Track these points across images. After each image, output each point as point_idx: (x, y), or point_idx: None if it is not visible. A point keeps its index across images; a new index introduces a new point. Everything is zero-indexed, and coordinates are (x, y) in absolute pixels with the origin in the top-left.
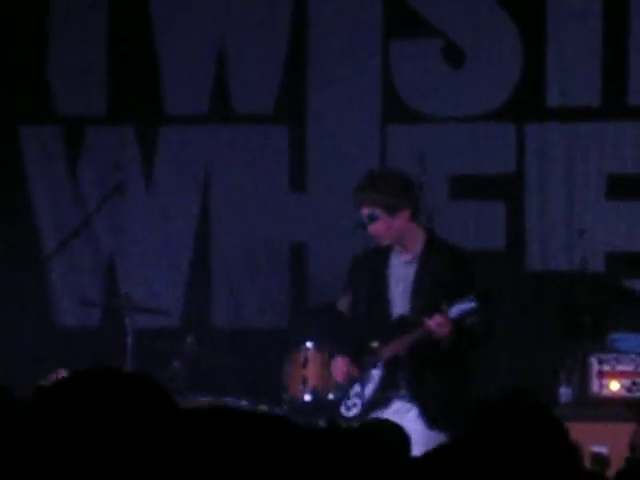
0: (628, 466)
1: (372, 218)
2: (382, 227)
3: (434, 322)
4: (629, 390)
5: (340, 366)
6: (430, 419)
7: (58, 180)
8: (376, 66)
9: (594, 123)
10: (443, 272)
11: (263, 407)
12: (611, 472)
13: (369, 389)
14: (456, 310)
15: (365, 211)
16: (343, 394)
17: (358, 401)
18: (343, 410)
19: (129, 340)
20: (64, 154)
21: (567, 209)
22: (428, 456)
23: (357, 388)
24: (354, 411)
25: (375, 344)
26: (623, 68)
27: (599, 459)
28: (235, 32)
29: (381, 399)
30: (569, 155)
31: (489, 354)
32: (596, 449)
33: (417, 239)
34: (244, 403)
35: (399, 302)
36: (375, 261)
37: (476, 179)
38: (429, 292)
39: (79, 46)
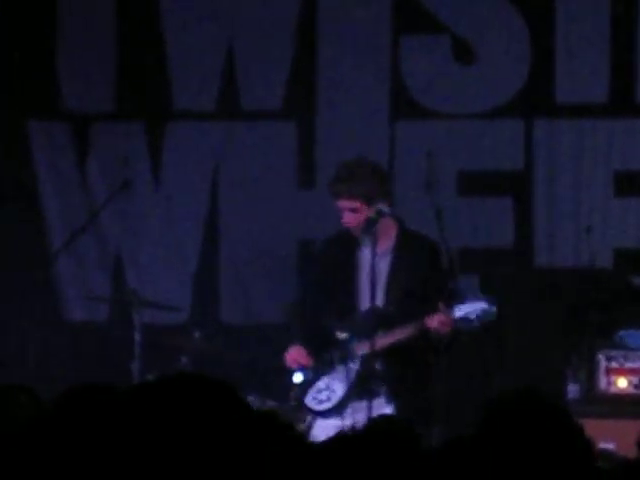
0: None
1: (354, 211)
2: (361, 218)
3: (436, 321)
4: (637, 387)
5: (294, 355)
6: (407, 417)
7: (66, 176)
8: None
9: (603, 120)
10: (419, 265)
11: (271, 403)
12: None
13: (344, 383)
14: (460, 310)
15: (345, 203)
16: (307, 382)
17: (331, 394)
18: (311, 403)
19: (137, 335)
20: (72, 150)
21: (575, 206)
22: (438, 453)
23: (327, 380)
24: (326, 405)
25: (344, 335)
26: (632, 65)
27: (606, 456)
28: (243, 28)
29: (357, 394)
30: (577, 152)
31: (496, 351)
32: (603, 446)
33: (390, 230)
34: (252, 399)
35: (367, 294)
36: (342, 250)
37: (484, 175)
38: (405, 285)
39: (87, 42)
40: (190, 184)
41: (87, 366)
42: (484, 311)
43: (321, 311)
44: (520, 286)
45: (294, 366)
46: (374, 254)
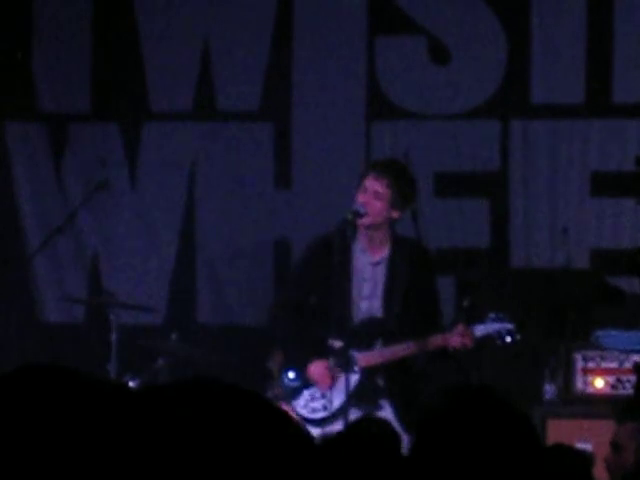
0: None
1: (378, 197)
2: (379, 208)
3: (456, 340)
4: (613, 387)
5: (322, 372)
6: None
7: (43, 177)
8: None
9: (579, 120)
10: (416, 273)
11: None
12: (596, 469)
13: (342, 393)
14: (481, 330)
15: (376, 184)
16: (297, 385)
17: (327, 404)
18: (303, 410)
19: (113, 337)
20: (49, 151)
21: (551, 206)
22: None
23: (323, 390)
24: (320, 414)
25: (339, 344)
26: (608, 65)
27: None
28: (220, 29)
29: (356, 405)
30: (553, 152)
31: (473, 351)
32: (580, 446)
33: (386, 240)
34: None
35: (364, 303)
36: (336, 255)
37: (461, 176)
38: (403, 295)
39: (64, 43)
40: (167, 185)
41: None
42: (507, 331)
43: (309, 315)
44: (496, 287)
45: (328, 386)
46: (352, 261)
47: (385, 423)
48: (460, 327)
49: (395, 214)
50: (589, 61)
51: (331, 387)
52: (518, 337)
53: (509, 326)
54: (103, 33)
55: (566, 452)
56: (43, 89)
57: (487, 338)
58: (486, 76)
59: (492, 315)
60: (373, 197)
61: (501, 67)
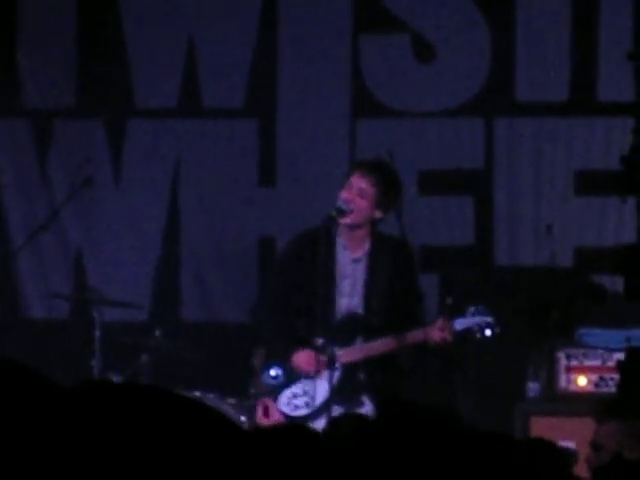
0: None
1: (363, 195)
2: (363, 206)
3: (435, 334)
4: (596, 385)
5: (307, 359)
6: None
7: (27, 173)
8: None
9: (563, 118)
10: (396, 269)
11: (231, 401)
12: (578, 467)
13: (324, 390)
14: (461, 324)
15: (361, 181)
16: (281, 382)
17: (310, 400)
18: (285, 408)
19: (97, 333)
20: (33, 147)
21: (535, 204)
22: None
23: (304, 386)
24: (302, 411)
25: (321, 341)
26: (592, 63)
27: (567, 454)
28: (205, 25)
29: (338, 402)
30: (538, 150)
31: (456, 349)
32: (563, 444)
33: (367, 238)
34: (211, 397)
35: (344, 300)
36: (318, 251)
37: (445, 174)
38: (384, 291)
39: (48, 39)
40: (151, 182)
41: (47, 364)
42: (486, 324)
43: (292, 312)
44: (480, 285)
45: (311, 370)
46: (334, 259)
47: (364, 420)
48: (440, 321)
49: (378, 214)
50: (574, 59)
51: (316, 373)
52: (498, 330)
53: (488, 319)
54: (88, 29)
55: (546, 448)
56: (28, 85)
57: (467, 332)
58: (470, 74)
59: (472, 309)
60: (358, 195)
61: (485, 65)
